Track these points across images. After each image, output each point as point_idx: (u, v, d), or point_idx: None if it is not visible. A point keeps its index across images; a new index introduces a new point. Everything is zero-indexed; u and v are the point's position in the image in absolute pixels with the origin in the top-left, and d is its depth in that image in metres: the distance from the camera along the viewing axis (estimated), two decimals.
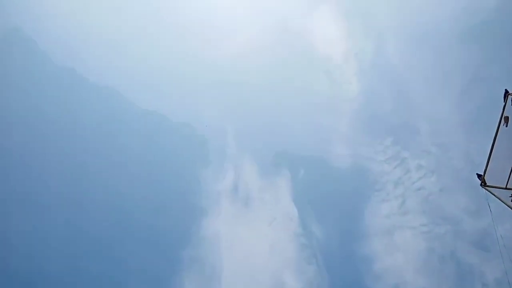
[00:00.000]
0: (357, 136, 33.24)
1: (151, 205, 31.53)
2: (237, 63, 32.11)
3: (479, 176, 9.32)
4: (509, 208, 8.70)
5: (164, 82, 31.52)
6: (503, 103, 8.79)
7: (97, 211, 29.50)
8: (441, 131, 30.29)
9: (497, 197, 8.74)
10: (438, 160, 30.61)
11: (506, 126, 8.78)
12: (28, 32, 29.25)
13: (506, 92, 8.70)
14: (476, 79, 26.60)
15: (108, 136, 30.52)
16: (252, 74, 32.57)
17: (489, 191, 9.14)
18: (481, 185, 9.30)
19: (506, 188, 9.11)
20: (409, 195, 31.65)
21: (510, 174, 9.10)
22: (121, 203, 30.34)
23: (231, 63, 31.99)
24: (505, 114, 8.78)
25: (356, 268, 33.10)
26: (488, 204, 9.23)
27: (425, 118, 30.94)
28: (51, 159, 28.75)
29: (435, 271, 29.31)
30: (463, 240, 29.22)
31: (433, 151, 30.60)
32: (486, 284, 27.01)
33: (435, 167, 30.64)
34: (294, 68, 32.97)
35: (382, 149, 32.34)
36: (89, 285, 28.96)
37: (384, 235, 31.85)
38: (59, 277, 27.90)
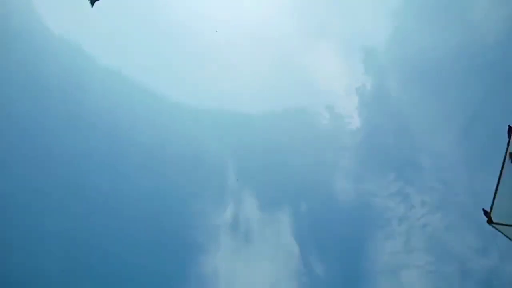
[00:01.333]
0: (359, 170, 32.89)
1: (145, 242, 30.83)
2: (238, 97, 32.32)
3: (485, 213, 8.98)
4: None
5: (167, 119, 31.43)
6: (508, 139, 8.58)
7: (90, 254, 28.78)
8: (444, 167, 29.94)
9: (504, 235, 8.35)
10: (442, 196, 30.05)
11: None
12: None
13: (510, 128, 8.52)
14: (478, 115, 26.55)
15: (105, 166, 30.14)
16: (253, 108, 32.67)
17: (496, 228, 8.76)
18: (487, 222, 8.95)
19: None
20: (414, 232, 30.86)
21: None
22: (113, 241, 29.64)
23: (233, 96, 32.21)
24: (509, 150, 8.55)
25: None
26: (496, 241, 8.81)
27: (428, 153, 30.67)
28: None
29: None
30: (470, 279, 28.19)
31: (437, 187, 30.11)
32: None
33: (440, 203, 30.05)
34: (295, 103, 33.09)
35: (385, 185, 31.88)
36: None
37: (389, 274, 30.84)
38: None
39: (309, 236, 34.11)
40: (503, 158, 8.77)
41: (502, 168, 8.89)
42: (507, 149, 8.64)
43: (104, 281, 28.73)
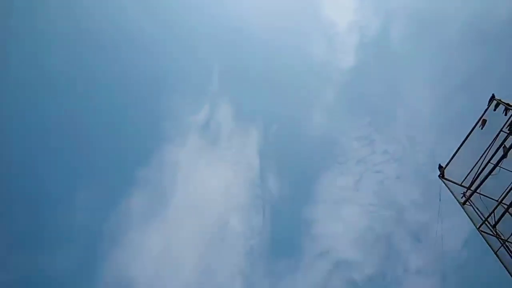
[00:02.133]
0: (337, 107, 33.61)
1: (118, 116, 31.09)
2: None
3: (440, 167, 9.84)
4: (457, 204, 9.27)
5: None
6: (486, 106, 9.14)
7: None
8: (417, 125, 31.09)
9: (450, 190, 9.29)
10: (404, 150, 31.66)
11: (482, 128, 9.18)
12: None
13: (493, 96, 9.03)
14: (468, 85, 27.07)
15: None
16: (250, 20, 31.72)
17: (444, 183, 9.69)
18: (439, 176, 9.85)
19: (460, 185, 9.70)
20: (367, 175, 32.86)
21: (468, 173, 9.64)
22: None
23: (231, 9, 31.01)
24: (484, 117, 9.15)
25: (297, 227, 34.67)
26: (440, 194, 9.81)
27: (406, 109, 31.56)
28: None
29: (366, 247, 31.20)
30: (402, 227, 31.04)
31: (403, 141, 31.55)
32: (408, 269, 29.15)
33: (399, 156, 31.74)
34: (295, 23, 32.24)
35: (357, 127, 33.01)
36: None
37: (332, 204, 33.28)
38: None
39: (271, 155, 35.52)
40: (475, 123, 9.42)
41: (470, 132, 9.58)
42: (482, 115, 9.24)
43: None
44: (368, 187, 32.06)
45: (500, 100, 8.83)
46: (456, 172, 10.12)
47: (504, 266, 7.54)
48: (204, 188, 33.80)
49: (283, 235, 34.48)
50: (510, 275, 7.33)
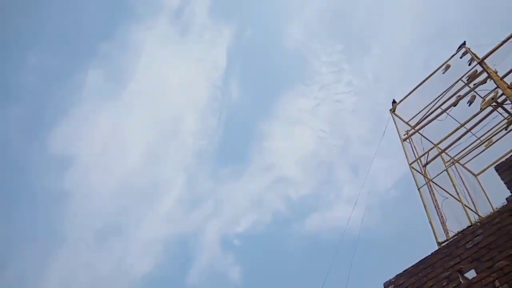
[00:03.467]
0: (317, 28, 32.55)
1: None
2: None
3: (394, 102, 10.06)
4: (400, 140, 9.64)
5: None
6: (455, 52, 9.16)
7: None
8: (387, 63, 31.11)
9: (395, 125, 9.60)
10: (367, 86, 32.00)
11: (443, 73, 9.28)
12: None
13: (463, 43, 9.03)
14: (445, 33, 26.88)
15: None
16: None
17: (393, 118, 9.99)
18: (390, 110, 10.11)
19: (407, 123, 10.05)
20: (326, 102, 33.27)
21: (417, 114, 9.94)
22: None
23: None
24: (449, 63, 9.21)
25: (248, 138, 35.34)
26: (385, 128, 10.14)
27: (382, 45, 31.24)
28: None
29: (308, 170, 32.79)
30: (344, 158, 32.59)
31: (368, 76, 31.72)
32: (339, 196, 31.29)
33: (361, 90, 32.13)
34: None
35: (330, 51, 32.49)
36: None
37: (286, 122, 33.85)
38: None
39: (240, 59, 34.60)
40: (439, 66, 9.49)
41: (431, 75, 9.69)
42: (447, 60, 9.29)
43: None
44: (324, 114, 32.73)
45: (469, 49, 8.84)
46: (408, 112, 10.40)
47: (422, 202, 8.15)
48: (164, 78, 32.93)
49: (233, 143, 35.19)
50: (426, 211, 7.95)
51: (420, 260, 6.55)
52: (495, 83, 7.43)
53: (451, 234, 7.26)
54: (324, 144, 32.62)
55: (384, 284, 6.88)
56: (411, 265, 6.64)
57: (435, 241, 7.19)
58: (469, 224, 6.55)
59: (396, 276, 6.76)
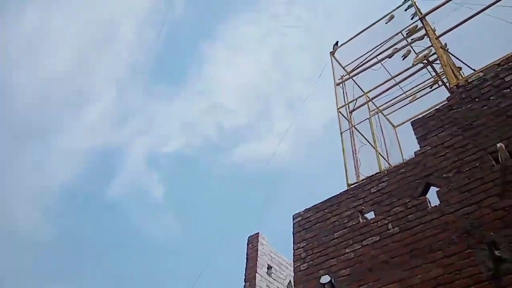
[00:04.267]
0: None
1: None
2: None
3: (336, 44, 10.06)
4: (333, 83, 9.77)
5: None
6: (400, 4, 9.19)
7: None
8: (341, 1, 30.63)
9: (332, 68, 9.69)
10: (317, 23, 31.62)
11: (386, 23, 9.33)
12: None
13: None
14: None
15: None
16: None
17: (331, 61, 10.04)
18: (331, 52, 10.13)
19: (343, 68, 10.18)
20: (273, 33, 32.55)
21: (355, 60, 10.07)
22: None
23: None
24: (394, 13, 9.23)
25: (188, 58, 34.00)
26: (322, 70, 10.20)
27: None
28: None
29: (244, 100, 32.75)
30: (282, 93, 32.83)
31: (320, 14, 31.28)
32: (270, 131, 32.01)
33: (311, 27, 31.74)
34: None
35: None
36: None
37: (230, 48, 32.88)
38: None
39: None
40: (383, 16, 9.50)
41: (374, 23, 9.70)
42: (392, 10, 9.31)
43: None
44: (270, 46, 32.14)
45: (415, 2, 8.88)
46: (348, 56, 10.47)
47: (342, 145, 8.52)
48: None
49: (172, 61, 33.65)
50: (343, 153, 8.34)
51: (329, 198, 7.01)
52: (430, 41, 7.63)
53: (361, 178, 7.77)
54: (265, 76, 32.51)
55: (293, 215, 7.32)
56: (321, 201, 7.09)
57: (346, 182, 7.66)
58: (378, 171, 7.03)
59: (305, 209, 7.21)
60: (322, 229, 6.64)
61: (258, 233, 8.88)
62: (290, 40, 31.66)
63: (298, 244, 6.81)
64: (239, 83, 32.55)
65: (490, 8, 7.18)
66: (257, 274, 7.66)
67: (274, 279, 8.07)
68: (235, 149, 34.84)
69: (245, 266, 7.99)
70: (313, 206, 7.12)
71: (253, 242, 8.32)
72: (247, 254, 8.37)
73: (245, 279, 7.78)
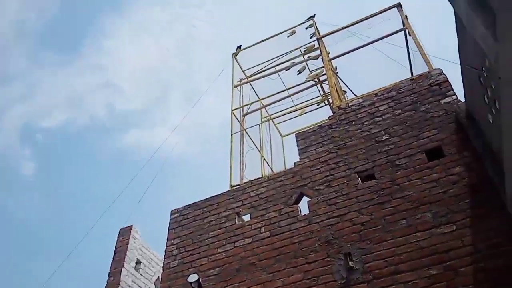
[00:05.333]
0: None
1: None
2: None
3: (239, 47, 10.20)
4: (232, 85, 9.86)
5: None
6: (303, 21, 9.69)
7: None
8: (257, 4, 31.18)
9: (233, 70, 9.78)
10: (228, 22, 31.72)
11: (288, 36, 9.74)
12: None
13: (313, 16, 9.61)
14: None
15: None
16: None
17: (233, 63, 10.14)
18: (233, 54, 10.23)
19: (243, 71, 10.35)
20: (181, 21, 31.80)
21: (255, 66, 10.31)
22: None
23: None
24: (296, 29, 9.68)
25: (87, 28, 31.48)
26: (222, 70, 10.23)
27: None
28: None
29: (141, 84, 31.38)
30: (182, 84, 32.20)
31: (234, 13, 31.45)
32: (167, 119, 31.22)
33: (221, 24, 31.75)
34: None
35: None
36: None
37: (135, 27, 31.24)
38: None
39: None
40: (287, 29, 9.89)
41: (278, 34, 10.05)
42: (295, 26, 9.77)
43: None
44: (177, 34, 31.38)
45: (315, 23, 9.44)
46: (249, 61, 10.66)
47: (231, 147, 8.63)
48: None
49: (68, 27, 30.76)
50: (230, 155, 8.45)
51: (210, 197, 7.04)
52: (323, 62, 8.18)
53: (244, 181, 7.96)
54: (167, 64, 31.57)
55: (171, 211, 7.20)
56: (202, 199, 7.09)
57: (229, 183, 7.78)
58: (260, 176, 7.30)
59: (184, 206, 7.15)
60: (199, 228, 6.65)
61: (131, 225, 8.53)
62: (198, 33, 31.30)
63: (172, 241, 6.72)
64: (139, 65, 31.09)
65: (378, 42, 7.98)
66: (123, 269, 7.35)
67: (142, 275, 7.84)
68: (124, 133, 33.16)
69: (112, 260, 7.61)
70: (193, 203, 7.09)
71: (124, 234, 7.97)
72: (115, 247, 7.97)
73: (109, 273, 7.42)
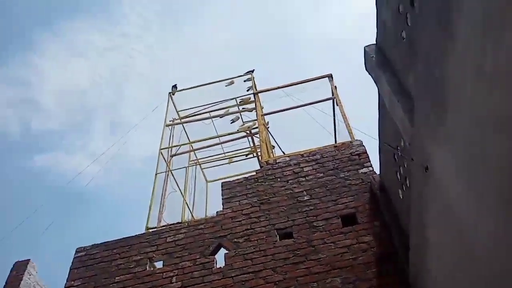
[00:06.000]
0: None
1: None
2: None
3: (175, 87, 10.18)
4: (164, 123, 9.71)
5: None
6: (242, 74, 10.04)
7: None
8: (199, 45, 31.65)
9: (166, 108, 9.71)
10: (165, 59, 31.77)
11: (226, 86, 9.99)
12: None
13: (252, 71, 10.02)
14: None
15: None
16: None
17: (168, 101, 10.07)
18: (169, 93, 10.19)
19: (177, 111, 10.30)
20: (118, 50, 31.30)
21: (191, 108, 10.31)
22: None
23: None
24: (235, 80, 9.98)
25: (7, 37, 29.73)
26: (156, 107, 10.10)
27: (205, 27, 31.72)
28: None
29: (64, 106, 29.79)
30: (109, 112, 31.09)
31: (171, 49, 31.63)
32: (87, 146, 29.67)
33: (157, 59, 31.65)
34: None
35: (147, 4, 30.98)
36: None
37: (66, 46, 30.10)
38: None
39: None
40: (227, 79, 10.16)
41: (215, 82, 10.26)
42: (233, 77, 10.07)
43: None
44: (111, 60, 30.62)
45: (253, 78, 9.83)
46: (185, 102, 10.66)
47: (153, 187, 8.35)
48: None
49: None
50: (152, 195, 8.16)
51: (123, 238, 6.65)
52: (256, 116, 8.46)
53: (162, 223, 7.68)
54: (95, 89, 30.36)
55: (77, 249, 6.66)
56: (114, 239, 6.67)
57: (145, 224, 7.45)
58: (179, 222, 7.10)
59: (92, 245, 6.66)
60: (105, 270, 6.18)
61: (29, 259, 7.70)
62: (134, 65, 30.82)
63: (72, 282, 6.15)
64: (66, 86, 29.53)
65: (309, 106, 8.49)
66: None
67: None
68: (38, 155, 30.68)
69: None
70: (103, 243, 6.63)
71: (18, 269, 7.13)
72: (6, 282, 7.09)
73: None
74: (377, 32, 4.52)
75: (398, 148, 4.54)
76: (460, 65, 2.64)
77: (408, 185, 4.41)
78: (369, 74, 4.81)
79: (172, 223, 7.36)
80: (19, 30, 30.19)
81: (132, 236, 6.66)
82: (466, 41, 2.53)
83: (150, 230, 6.95)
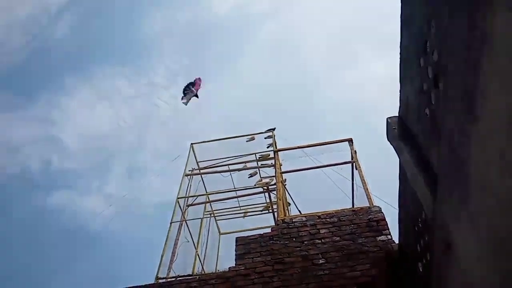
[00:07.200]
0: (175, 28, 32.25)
1: None
2: None
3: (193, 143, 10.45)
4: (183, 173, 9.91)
5: None
6: (263, 131, 10.29)
7: None
8: (230, 100, 32.62)
9: (188, 158, 9.90)
10: (188, 111, 32.63)
11: (247, 141, 10.23)
12: None
13: (273, 129, 10.27)
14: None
15: None
16: None
17: (189, 151, 10.31)
18: (192, 143, 10.46)
19: (197, 162, 10.50)
20: (144, 99, 32.35)
21: (211, 160, 10.50)
22: None
23: None
24: (255, 136, 10.23)
25: (42, 81, 31.18)
26: (177, 156, 10.33)
27: (237, 80, 32.79)
28: None
29: (86, 147, 30.48)
30: (129, 157, 31.65)
31: (198, 103, 32.42)
32: (103, 188, 29.90)
33: (182, 111, 32.53)
34: None
35: (176, 59, 32.35)
36: None
37: (95, 91, 31.34)
38: None
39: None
40: (248, 134, 10.40)
41: (236, 137, 10.51)
42: (255, 133, 10.30)
43: None
44: (136, 107, 31.61)
45: (274, 135, 10.05)
46: (205, 153, 10.88)
47: (167, 235, 8.36)
48: None
49: (29, 75, 30.34)
50: (165, 244, 8.16)
51: (134, 286, 6.59)
52: (274, 173, 8.56)
53: (172, 274, 7.61)
54: (118, 133, 31.23)
55: None
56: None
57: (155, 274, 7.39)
58: (190, 274, 7.02)
59: None
60: None
61: None
62: (158, 113, 31.82)
63: None
64: (90, 128, 30.51)
65: (327, 168, 8.56)
66: None
67: None
68: (54, 192, 31.09)
69: None
70: None
71: None
72: None
73: None
74: (400, 106, 4.66)
75: (419, 220, 4.53)
76: (484, 149, 2.72)
77: (428, 258, 4.35)
78: (391, 144, 4.90)
79: (181, 274, 7.29)
80: (53, 72, 31.86)
81: (141, 285, 6.60)
82: (490, 125, 2.63)
83: (160, 281, 6.88)
